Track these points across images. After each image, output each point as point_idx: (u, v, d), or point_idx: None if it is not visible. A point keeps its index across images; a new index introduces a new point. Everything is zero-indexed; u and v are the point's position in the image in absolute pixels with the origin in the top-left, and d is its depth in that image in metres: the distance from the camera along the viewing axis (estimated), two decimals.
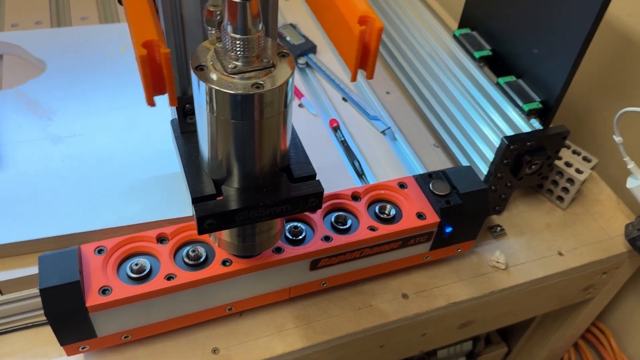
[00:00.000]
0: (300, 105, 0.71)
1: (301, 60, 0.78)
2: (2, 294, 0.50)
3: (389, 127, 0.70)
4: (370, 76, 0.33)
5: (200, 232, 0.40)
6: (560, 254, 0.63)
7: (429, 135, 0.71)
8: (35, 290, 0.51)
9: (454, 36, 0.71)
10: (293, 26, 0.82)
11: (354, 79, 0.33)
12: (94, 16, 0.81)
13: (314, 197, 0.42)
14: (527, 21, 0.62)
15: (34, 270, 0.50)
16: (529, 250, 0.63)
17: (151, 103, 0.29)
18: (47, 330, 0.51)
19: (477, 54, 0.68)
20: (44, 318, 0.51)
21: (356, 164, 0.64)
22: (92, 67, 0.68)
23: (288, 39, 0.79)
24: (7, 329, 0.51)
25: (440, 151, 0.70)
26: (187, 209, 0.54)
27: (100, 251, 0.47)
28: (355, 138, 0.68)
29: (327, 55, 0.79)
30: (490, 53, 0.68)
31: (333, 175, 0.63)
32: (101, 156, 0.58)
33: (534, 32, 0.61)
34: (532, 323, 0.86)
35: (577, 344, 0.87)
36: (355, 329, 0.54)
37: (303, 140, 0.45)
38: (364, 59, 0.32)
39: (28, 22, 0.78)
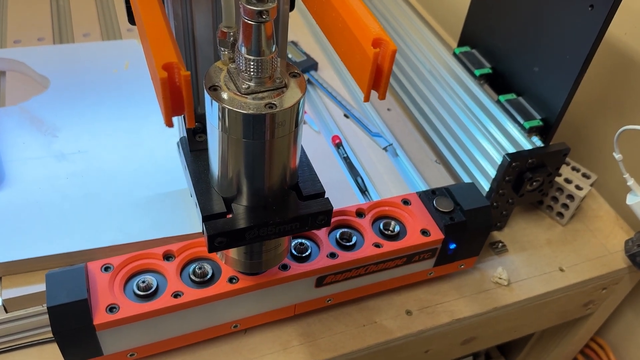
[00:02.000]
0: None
1: None
2: (7, 312, 0.50)
3: (391, 144, 0.71)
4: (382, 97, 0.33)
5: (211, 250, 0.40)
6: (561, 269, 0.64)
7: (430, 152, 0.72)
8: (40, 308, 0.50)
9: (454, 54, 0.72)
10: (294, 44, 0.83)
11: (367, 99, 0.34)
12: (95, 33, 0.81)
13: (323, 215, 0.42)
14: (527, 39, 0.63)
15: (39, 287, 0.50)
16: (530, 266, 0.64)
17: (169, 124, 0.29)
18: (51, 348, 0.51)
19: (477, 72, 0.69)
20: (49, 336, 0.51)
21: (359, 180, 0.65)
22: (95, 83, 0.69)
23: (290, 56, 0.80)
24: (12, 347, 0.50)
25: (441, 167, 0.70)
26: (193, 226, 0.54)
27: (107, 269, 0.47)
28: (358, 154, 0.69)
29: (329, 72, 0.80)
30: (490, 71, 0.69)
31: (336, 192, 0.63)
32: (106, 173, 0.58)
33: (535, 51, 0.62)
34: (532, 338, 0.86)
35: (576, 358, 0.87)
36: (360, 346, 0.54)
37: None
38: (377, 81, 0.33)
39: (30, 38, 0.79)
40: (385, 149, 0.70)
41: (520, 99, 0.65)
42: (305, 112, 0.73)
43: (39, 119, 0.63)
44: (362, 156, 0.69)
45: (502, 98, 0.65)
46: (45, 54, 0.73)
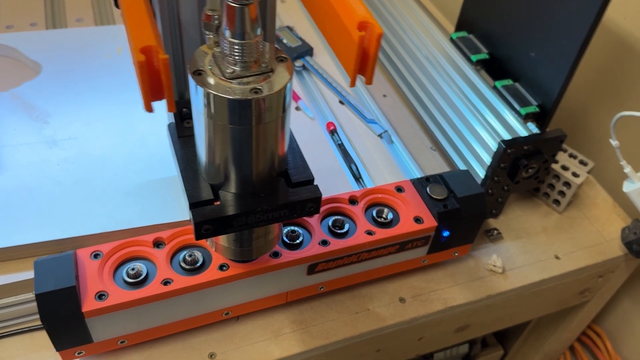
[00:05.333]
0: (297, 108, 0.71)
1: (298, 63, 0.77)
2: None
3: (386, 131, 0.70)
4: (369, 82, 0.33)
5: (198, 237, 0.39)
6: (556, 257, 0.63)
7: (426, 139, 0.71)
8: (31, 295, 0.50)
9: (451, 39, 0.71)
10: (290, 28, 0.82)
11: (352, 84, 0.33)
12: (89, 17, 0.80)
13: (312, 202, 0.41)
14: (524, 24, 0.62)
15: (29, 274, 0.50)
16: (525, 254, 0.63)
17: (149, 109, 0.29)
18: (42, 335, 0.51)
19: (474, 57, 0.68)
20: (39, 323, 0.51)
21: (353, 167, 0.64)
22: (88, 69, 0.68)
23: (285, 41, 0.79)
24: (2, 334, 0.50)
25: (437, 154, 0.70)
26: (183, 213, 0.53)
27: (96, 256, 0.47)
28: (352, 141, 0.68)
29: (324, 58, 0.79)
30: (487, 56, 0.68)
31: (330, 179, 0.62)
32: (97, 159, 0.58)
33: (531, 36, 0.61)
34: (528, 326, 0.86)
35: (573, 346, 0.87)
36: (352, 333, 0.54)
37: (300, 143, 0.45)
38: (363, 65, 0.32)
39: (23, 23, 0.78)
40: (380, 135, 0.70)
41: (517, 84, 0.64)
42: (299, 98, 0.72)
43: (31, 105, 0.63)
44: (357, 143, 0.68)
45: (498, 84, 0.64)
46: (37, 39, 0.72)
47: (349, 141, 0.68)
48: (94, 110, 0.63)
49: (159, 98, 0.29)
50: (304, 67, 0.77)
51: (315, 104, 0.73)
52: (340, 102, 0.74)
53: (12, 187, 0.54)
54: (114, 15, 0.81)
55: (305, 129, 0.69)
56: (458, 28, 0.73)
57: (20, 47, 0.70)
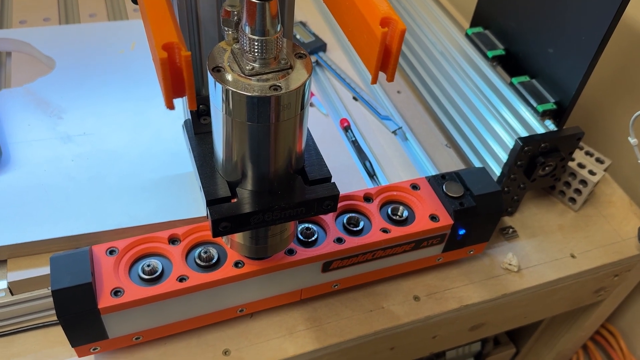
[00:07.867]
0: (311, 105, 0.71)
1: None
2: (12, 294, 0.50)
3: (400, 127, 0.69)
4: (390, 79, 0.32)
5: (215, 234, 0.39)
6: (572, 256, 0.63)
7: (441, 135, 0.71)
8: (46, 291, 0.50)
9: (466, 35, 0.71)
10: (303, 24, 0.81)
11: (374, 81, 0.33)
12: (102, 13, 0.80)
13: (329, 200, 0.41)
14: (542, 20, 0.61)
15: (44, 270, 0.50)
16: (541, 252, 0.63)
17: (170, 106, 0.28)
18: (57, 331, 0.51)
19: (490, 53, 0.67)
20: (54, 318, 0.51)
21: (367, 164, 0.64)
22: (101, 64, 0.68)
23: (298, 36, 0.78)
24: (18, 329, 0.50)
25: (452, 151, 0.69)
26: (199, 209, 0.53)
27: (111, 252, 0.47)
28: (366, 138, 0.68)
29: (338, 54, 0.79)
30: (503, 52, 0.67)
31: (344, 176, 0.62)
32: (112, 155, 0.58)
33: (549, 32, 0.60)
34: (541, 324, 0.85)
35: (586, 345, 0.87)
36: (367, 331, 0.54)
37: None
38: (385, 62, 0.32)
39: (36, 19, 0.78)
40: (394, 132, 0.69)
41: (534, 81, 0.63)
42: (313, 95, 0.72)
43: (45, 101, 0.63)
44: (371, 140, 0.68)
45: (515, 80, 0.63)
46: (51, 35, 0.72)
47: (363, 138, 0.68)
48: (108, 106, 0.63)
49: (180, 95, 0.28)
50: (317, 62, 0.77)
51: (329, 100, 0.72)
52: (354, 98, 0.73)
53: (26, 183, 0.54)
54: (127, 11, 0.81)
55: (318, 126, 0.68)
56: (473, 24, 0.72)
57: (34, 42, 0.70)
